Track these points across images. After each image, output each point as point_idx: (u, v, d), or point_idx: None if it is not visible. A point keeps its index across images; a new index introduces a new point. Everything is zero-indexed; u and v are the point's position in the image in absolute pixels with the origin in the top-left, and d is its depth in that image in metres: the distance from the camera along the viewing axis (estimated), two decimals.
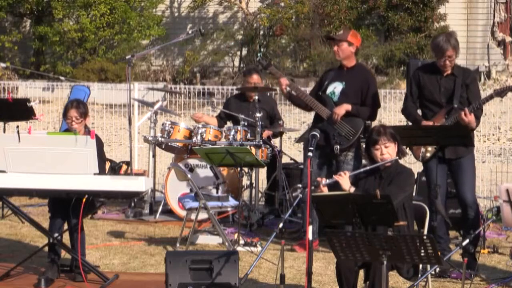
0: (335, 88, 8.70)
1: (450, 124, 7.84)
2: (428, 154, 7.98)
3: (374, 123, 9.26)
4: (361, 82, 8.65)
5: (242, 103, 10.35)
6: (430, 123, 7.93)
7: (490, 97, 7.91)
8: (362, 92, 8.63)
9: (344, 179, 6.38)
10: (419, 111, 8.15)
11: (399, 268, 6.27)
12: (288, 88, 8.80)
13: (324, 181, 6.39)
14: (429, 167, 7.98)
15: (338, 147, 8.51)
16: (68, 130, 7.57)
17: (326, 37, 8.96)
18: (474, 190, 8.06)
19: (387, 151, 6.42)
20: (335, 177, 6.44)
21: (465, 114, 7.70)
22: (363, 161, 8.50)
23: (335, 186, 6.40)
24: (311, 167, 8.57)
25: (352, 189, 6.35)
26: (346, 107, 8.57)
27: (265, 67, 9.19)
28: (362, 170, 6.47)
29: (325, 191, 6.34)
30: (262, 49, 9.96)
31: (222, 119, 10.45)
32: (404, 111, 8.25)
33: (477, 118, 7.89)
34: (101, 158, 7.28)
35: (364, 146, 8.50)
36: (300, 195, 6.60)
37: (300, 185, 9.69)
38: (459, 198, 8.00)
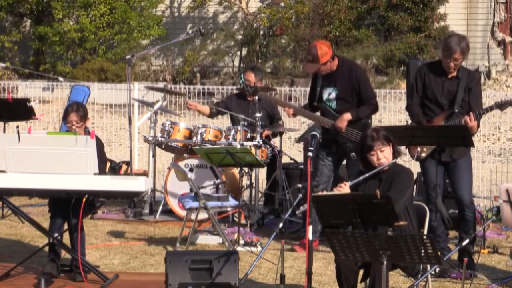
0: (330, 95, 8.66)
1: (450, 124, 7.83)
2: (424, 154, 7.97)
3: (374, 124, 9.23)
4: (351, 81, 8.58)
5: (242, 102, 10.35)
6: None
7: (491, 108, 7.88)
8: (355, 91, 8.60)
9: (345, 190, 6.31)
10: None
11: (405, 267, 6.25)
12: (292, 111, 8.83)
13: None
14: (426, 166, 7.98)
15: (354, 154, 8.44)
16: (68, 131, 7.56)
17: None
18: (471, 190, 8.07)
19: (383, 155, 6.35)
20: (336, 190, 6.38)
21: (470, 119, 7.68)
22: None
23: None
24: (312, 167, 8.66)
25: None
26: (346, 117, 8.51)
27: (253, 93, 9.35)
28: (361, 178, 6.38)
29: None
30: (242, 75, 10.00)
31: (213, 114, 10.46)
32: (409, 108, 8.20)
33: (477, 125, 7.90)
34: (102, 159, 7.27)
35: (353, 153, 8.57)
36: (300, 195, 6.56)
37: (300, 185, 9.68)
38: (456, 198, 8.00)
